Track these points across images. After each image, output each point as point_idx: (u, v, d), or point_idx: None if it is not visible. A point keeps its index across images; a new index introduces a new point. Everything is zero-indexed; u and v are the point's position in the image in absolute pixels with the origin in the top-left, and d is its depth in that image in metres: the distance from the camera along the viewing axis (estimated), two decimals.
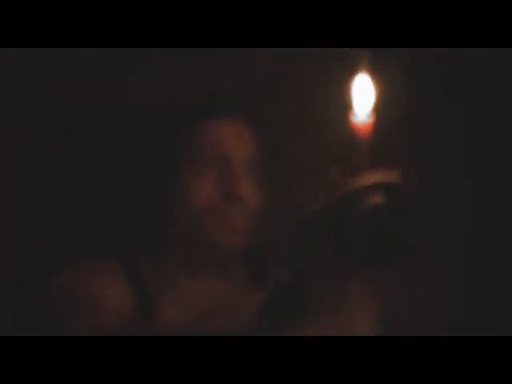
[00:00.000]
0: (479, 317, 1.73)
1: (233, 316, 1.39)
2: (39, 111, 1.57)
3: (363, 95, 1.12)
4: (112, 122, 1.60)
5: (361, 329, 1.17)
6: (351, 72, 1.12)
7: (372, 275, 1.17)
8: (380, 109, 1.11)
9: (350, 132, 1.11)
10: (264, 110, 1.56)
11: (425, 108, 1.75)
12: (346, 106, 1.12)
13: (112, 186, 1.59)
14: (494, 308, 1.74)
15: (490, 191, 1.78)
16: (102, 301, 1.30)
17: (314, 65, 1.67)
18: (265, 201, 1.39)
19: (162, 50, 1.50)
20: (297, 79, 1.69)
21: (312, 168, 1.64)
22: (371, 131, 1.11)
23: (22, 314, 1.37)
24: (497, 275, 1.77)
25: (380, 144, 1.12)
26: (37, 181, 1.57)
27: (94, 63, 1.57)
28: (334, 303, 1.17)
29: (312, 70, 1.68)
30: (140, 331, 1.30)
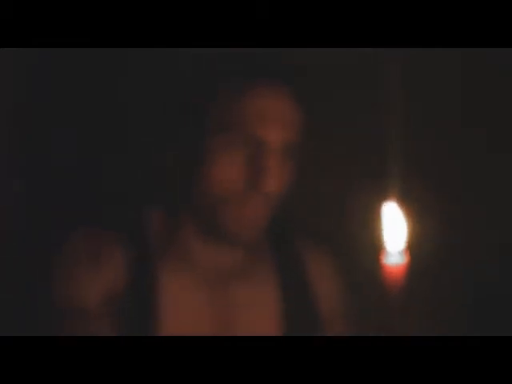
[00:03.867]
0: (479, 317, 1.73)
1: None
2: (39, 111, 1.57)
3: (395, 231, 1.01)
4: (136, 107, 1.58)
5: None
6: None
7: None
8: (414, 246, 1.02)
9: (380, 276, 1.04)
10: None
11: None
12: (376, 243, 1.04)
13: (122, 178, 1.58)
14: (494, 308, 1.75)
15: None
16: (103, 301, 1.30)
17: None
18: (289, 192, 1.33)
19: (162, 49, 1.50)
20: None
21: None
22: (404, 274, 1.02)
23: (22, 314, 1.37)
24: (497, 275, 1.78)
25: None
26: (36, 181, 1.57)
27: (94, 63, 1.57)
28: None
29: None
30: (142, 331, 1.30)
